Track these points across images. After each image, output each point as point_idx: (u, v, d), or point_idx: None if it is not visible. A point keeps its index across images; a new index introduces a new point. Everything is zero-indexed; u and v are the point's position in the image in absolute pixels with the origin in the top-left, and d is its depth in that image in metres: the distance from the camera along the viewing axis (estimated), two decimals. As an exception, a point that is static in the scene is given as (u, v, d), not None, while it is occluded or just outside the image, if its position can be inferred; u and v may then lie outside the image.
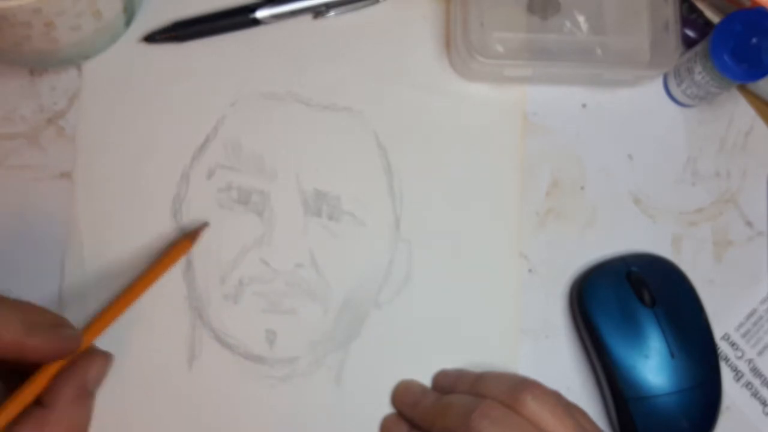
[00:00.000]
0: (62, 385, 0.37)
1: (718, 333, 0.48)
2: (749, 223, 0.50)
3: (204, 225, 0.45)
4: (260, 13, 0.48)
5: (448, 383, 0.45)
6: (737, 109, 0.51)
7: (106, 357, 0.40)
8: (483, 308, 0.47)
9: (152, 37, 0.47)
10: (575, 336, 0.48)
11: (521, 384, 0.40)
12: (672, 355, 0.45)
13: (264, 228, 0.46)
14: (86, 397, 0.38)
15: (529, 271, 0.48)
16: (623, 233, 0.49)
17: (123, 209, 0.46)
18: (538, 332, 0.47)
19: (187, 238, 0.45)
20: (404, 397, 0.45)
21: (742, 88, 0.52)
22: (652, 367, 0.44)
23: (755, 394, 0.49)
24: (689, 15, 0.51)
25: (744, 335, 0.49)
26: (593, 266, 0.48)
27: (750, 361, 0.49)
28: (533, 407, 0.39)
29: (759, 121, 0.51)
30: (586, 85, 0.50)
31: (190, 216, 0.46)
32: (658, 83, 0.51)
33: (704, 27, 0.51)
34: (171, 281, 0.45)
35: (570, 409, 0.40)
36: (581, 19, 0.49)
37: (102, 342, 0.44)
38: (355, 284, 0.46)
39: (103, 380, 0.40)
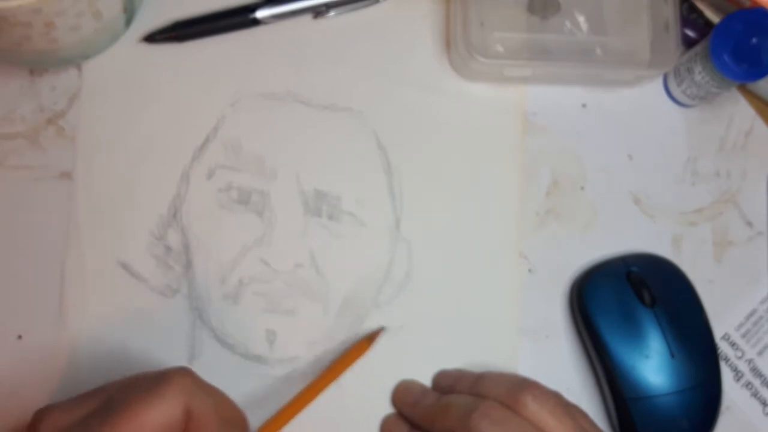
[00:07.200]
0: None
1: (718, 333, 0.48)
2: (749, 223, 0.50)
3: (381, 329, 0.46)
4: (260, 13, 0.48)
5: (448, 383, 0.45)
6: (737, 109, 0.51)
7: None
8: (483, 308, 0.47)
9: (152, 37, 0.47)
10: (575, 336, 0.48)
11: (521, 384, 0.40)
12: (672, 355, 0.45)
13: (264, 228, 0.46)
14: None
15: (529, 271, 0.48)
16: (623, 233, 0.49)
17: (123, 209, 0.46)
18: (538, 332, 0.47)
19: (365, 340, 0.45)
20: (404, 397, 0.45)
21: (742, 88, 0.52)
22: (652, 367, 0.44)
23: (755, 394, 0.49)
24: (689, 15, 0.51)
25: (744, 335, 0.49)
26: (593, 266, 0.48)
27: (750, 361, 0.49)
28: (533, 408, 0.39)
29: (759, 121, 0.51)
30: (586, 85, 0.50)
31: (190, 216, 0.46)
32: (658, 83, 0.51)
33: (704, 27, 0.51)
34: (171, 281, 0.45)
35: (570, 410, 0.40)
36: (581, 19, 0.49)
37: (102, 341, 0.44)
38: (355, 284, 0.46)
39: None
